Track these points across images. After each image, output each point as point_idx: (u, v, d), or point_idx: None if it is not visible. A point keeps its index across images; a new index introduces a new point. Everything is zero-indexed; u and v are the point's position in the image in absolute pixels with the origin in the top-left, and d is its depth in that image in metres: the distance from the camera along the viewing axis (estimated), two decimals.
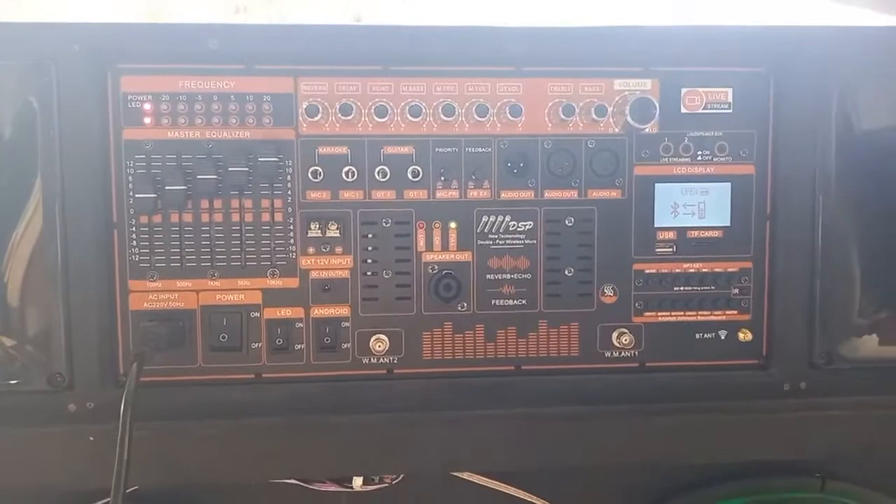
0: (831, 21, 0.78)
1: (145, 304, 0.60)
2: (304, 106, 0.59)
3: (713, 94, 0.62)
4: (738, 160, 0.63)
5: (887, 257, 0.63)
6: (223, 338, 0.60)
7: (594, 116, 0.60)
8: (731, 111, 0.62)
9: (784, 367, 0.63)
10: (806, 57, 0.62)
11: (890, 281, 0.63)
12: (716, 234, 0.63)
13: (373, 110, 0.59)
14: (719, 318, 0.64)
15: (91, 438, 0.58)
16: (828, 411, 0.64)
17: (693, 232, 0.63)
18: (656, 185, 0.62)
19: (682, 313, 0.63)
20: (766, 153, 0.63)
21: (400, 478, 0.65)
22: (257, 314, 0.61)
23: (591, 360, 0.63)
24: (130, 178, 0.59)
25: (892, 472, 0.69)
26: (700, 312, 0.64)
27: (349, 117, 0.59)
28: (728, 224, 0.63)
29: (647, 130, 0.61)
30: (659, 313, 0.63)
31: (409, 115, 0.60)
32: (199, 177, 0.59)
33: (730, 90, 0.62)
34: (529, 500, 0.66)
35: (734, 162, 0.62)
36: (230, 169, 0.59)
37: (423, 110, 0.60)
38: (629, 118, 0.60)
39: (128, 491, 0.59)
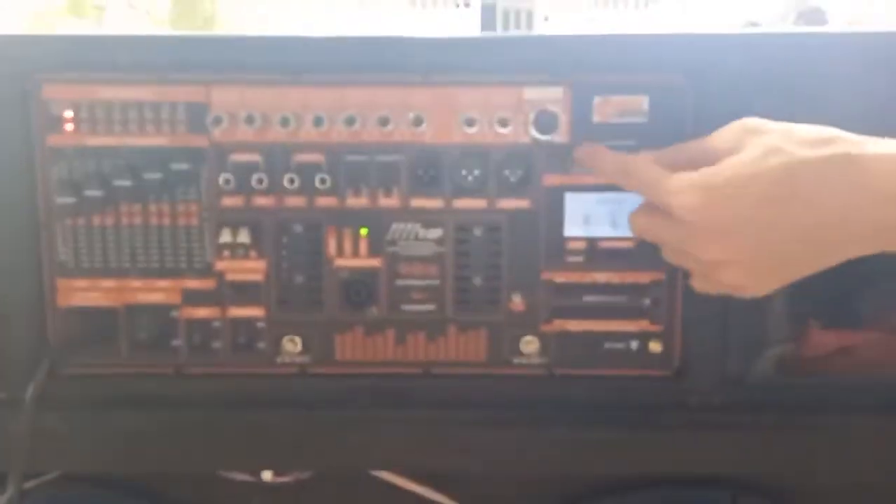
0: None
1: (72, 301, 0.64)
2: (216, 115, 0.61)
3: (627, 103, 0.61)
4: None
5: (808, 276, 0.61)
6: (145, 334, 0.64)
7: (498, 128, 0.60)
8: (646, 120, 0.61)
9: (695, 380, 0.63)
10: (726, 64, 0.60)
11: (809, 295, 0.62)
12: (628, 244, 0.63)
13: (282, 119, 0.61)
14: (630, 328, 0.64)
15: None
16: (737, 427, 0.63)
17: (605, 242, 0.63)
18: (566, 194, 0.62)
19: (591, 322, 0.64)
20: None
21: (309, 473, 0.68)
22: (177, 313, 0.64)
23: (499, 365, 0.64)
24: (54, 182, 0.62)
25: (807, 489, 0.68)
26: (610, 322, 0.64)
27: (259, 126, 0.61)
28: None
29: (555, 140, 0.61)
30: (568, 322, 0.64)
31: (313, 126, 0.61)
32: (116, 183, 0.61)
33: (645, 98, 0.61)
34: (437, 499, 0.68)
35: None
36: (145, 176, 0.61)
37: (325, 121, 0.60)
38: (532, 129, 0.60)
39: (50, 476, 0.64)
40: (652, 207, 0.54)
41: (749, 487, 0.67)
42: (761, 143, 0.49)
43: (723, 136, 0.52)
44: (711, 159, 0.50)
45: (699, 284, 0.54)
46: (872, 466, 0.65)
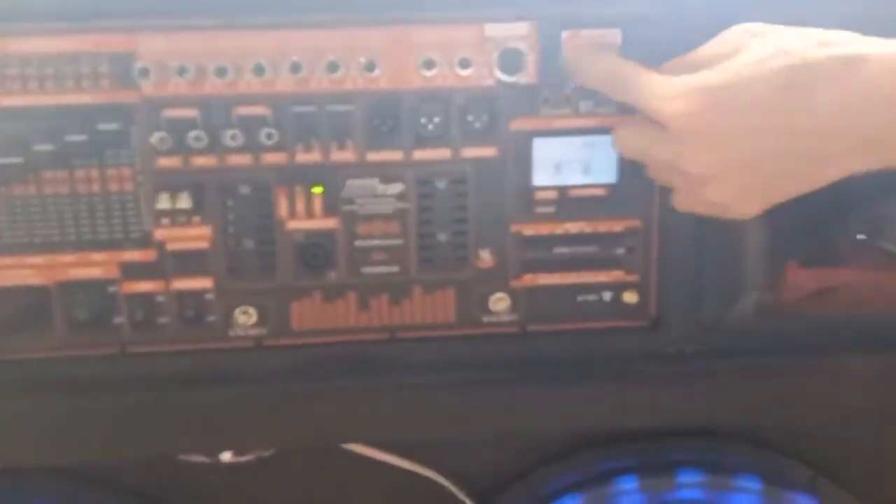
0: None
1: None
2: (143, 66, 0.54)
3: (599, 37, 0.56)
4: (626, 111, 0.57)
5: (785, 215, 0.58)
6: (82, 313, 0.58)
7: (459, 70, 0.55)
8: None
9: (672, 329, 0.61)
10: None
11: (785, 241, 0.59)
12: (601, 191, 0.59)
13: (218, 69, 0.55)
14: (604, 279, 0.60)
15: None
16: (718, 375, 0.61)
17: (576, 190, 0.59)
18: (535, 140, 0.58)
19: (564, 275, 0.60)
20: None
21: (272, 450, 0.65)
22: (115, 288, 0.58)
23: (468, 325, 0.61)
24: None
25: (787, 433, 0.67)
26: (583, 274, 0.60)
27: (194, 77, 0.55)
28: (614, 181, 0.59)
29: (522, 81, 0.56)
30: (539, 276, 0.60)
31: (254, 75, 0.55)
32: (36, 148, 0.55)
33: (618, 31, 0.56)
34: (411, 468, 0.65)
35: (621, 113, 0.57)
36: (68, 138, 0.55)
37: (267, 69, 0.55)
38: (496, 70, 0.55)
39: None
40: (642, 121, 0.51)
41: (731, 435, 0.65)
42: (767, 43, 0.46)
43: (723, 40, 0.49)
44: (710, 64, 0.47)
45: (682, 202, 0.52)
46: (855, 407, 0.64)
